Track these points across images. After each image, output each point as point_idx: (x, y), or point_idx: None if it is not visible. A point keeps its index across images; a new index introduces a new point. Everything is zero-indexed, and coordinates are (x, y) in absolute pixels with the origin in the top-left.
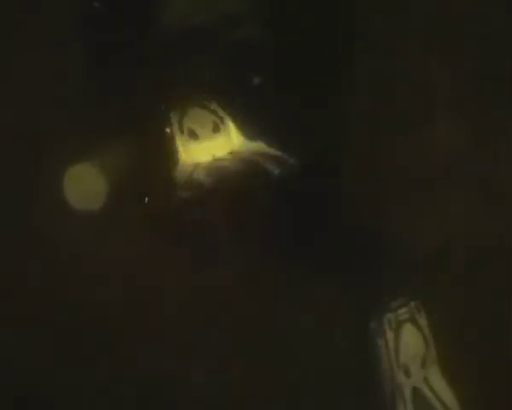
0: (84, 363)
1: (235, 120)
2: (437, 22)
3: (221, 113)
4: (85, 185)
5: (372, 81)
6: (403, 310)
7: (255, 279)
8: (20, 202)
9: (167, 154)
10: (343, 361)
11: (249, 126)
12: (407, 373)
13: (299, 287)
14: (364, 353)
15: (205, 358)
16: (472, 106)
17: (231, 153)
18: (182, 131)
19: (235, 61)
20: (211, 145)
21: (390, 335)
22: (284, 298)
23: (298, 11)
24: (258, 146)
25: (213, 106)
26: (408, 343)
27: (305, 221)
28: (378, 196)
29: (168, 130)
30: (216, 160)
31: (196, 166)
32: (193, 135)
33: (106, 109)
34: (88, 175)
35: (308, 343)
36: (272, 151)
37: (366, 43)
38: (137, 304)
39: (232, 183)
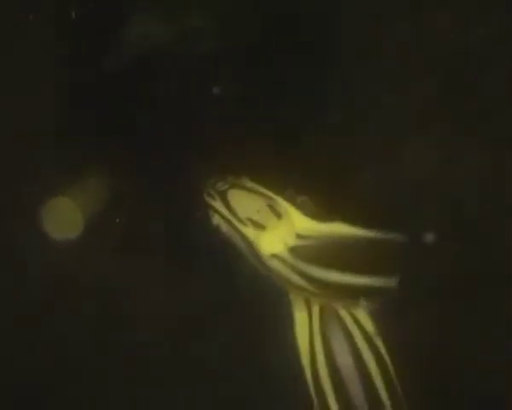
0: None
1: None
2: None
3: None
4: (62, 217)
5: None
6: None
7: None
8: None
9: None
10: None
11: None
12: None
13: None
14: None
15: None
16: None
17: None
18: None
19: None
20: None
21: (218, 204)
22: None
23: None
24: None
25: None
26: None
27: None
28: None
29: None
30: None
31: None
32: (257, 225)
33: (79, 148)
34: (65, 207)
35: None
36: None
37: (336, 60)
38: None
39: None
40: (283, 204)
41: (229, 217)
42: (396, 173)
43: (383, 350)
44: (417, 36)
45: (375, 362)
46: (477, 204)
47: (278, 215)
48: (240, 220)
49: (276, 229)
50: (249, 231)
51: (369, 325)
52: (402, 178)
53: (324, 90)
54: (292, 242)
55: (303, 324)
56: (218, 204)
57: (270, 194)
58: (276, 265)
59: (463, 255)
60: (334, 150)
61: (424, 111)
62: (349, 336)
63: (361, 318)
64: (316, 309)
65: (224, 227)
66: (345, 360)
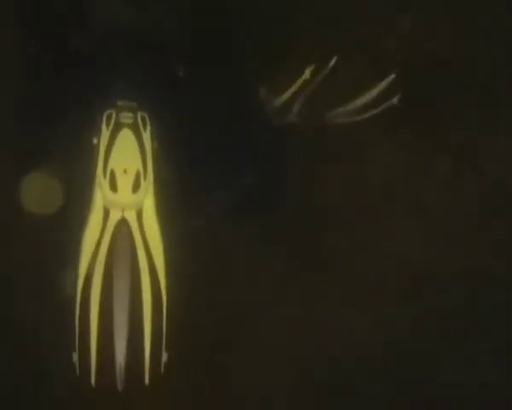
0: None
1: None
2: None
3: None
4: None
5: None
6: (127, 113)
7: None
8: None
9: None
10: None
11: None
12: (113, 186)
13: None
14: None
15: None
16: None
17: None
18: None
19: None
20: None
21: (106, 133)
22: None
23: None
24: None
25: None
26: (122, 150)
27: None
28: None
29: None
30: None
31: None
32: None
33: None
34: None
35: None
36: None
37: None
38: None
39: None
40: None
41: None
42: None
43: (163, 286)
44: None
45: (151, 294)
46: None
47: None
48: None
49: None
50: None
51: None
52: None
53: None
54: None
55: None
56: None
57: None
58: None
59: None
60: None
61: None
62: (134, 261)
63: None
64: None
65: None
66: (121, 284)
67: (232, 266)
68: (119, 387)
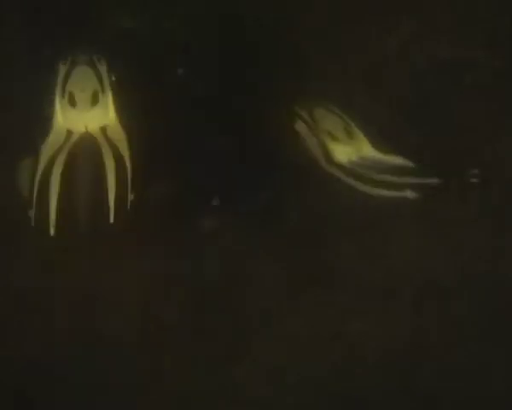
0: None
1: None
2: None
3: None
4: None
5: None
6: (83, 56)
7: None
8: None
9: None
10: None
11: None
12: (72, 103)
13: None
14: None
15: None
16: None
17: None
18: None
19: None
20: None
21: (63, 68)
22: None
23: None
24: None
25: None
26: (79, 77)
27: None
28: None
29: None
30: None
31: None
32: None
33: None
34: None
35: None
36: None
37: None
38: None
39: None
40: (356, 130)
41: (312, 125)
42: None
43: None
44: None
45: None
46: None
47: (350, 136)
48: (320, 130)
49: (347, 145)
50: (326, 140)
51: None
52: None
53: None
54: (354, 159)
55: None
56: (304, 114)
57: (348, 119)
58: (335, 171)
59: None
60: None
61: None
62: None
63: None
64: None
65: (304, 133)
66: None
67: None
68: (83, 229)
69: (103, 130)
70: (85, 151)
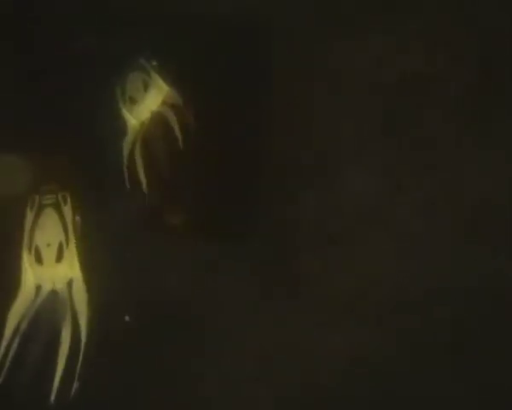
0: None
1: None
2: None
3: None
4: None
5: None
6: (49, 196)
7: None
8: None
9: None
10: None
11: None
12: (39, 260)
13: None
14: None
15: None
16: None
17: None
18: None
19: None
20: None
21: (30, 215)
22: None
23: None
24: None
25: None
26: (45, 227)
27: None
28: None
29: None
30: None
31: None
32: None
33: None
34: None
35: None
36: None
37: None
38: None
39: None
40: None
41: None
42: None
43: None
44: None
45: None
46: None
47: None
48: None
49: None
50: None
51: None
52: None
53: None
54: None
55: None
56: None
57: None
58: None
59: None
60: None
61: None
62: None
63: None
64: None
65: None
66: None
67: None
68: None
69: (69, 286)
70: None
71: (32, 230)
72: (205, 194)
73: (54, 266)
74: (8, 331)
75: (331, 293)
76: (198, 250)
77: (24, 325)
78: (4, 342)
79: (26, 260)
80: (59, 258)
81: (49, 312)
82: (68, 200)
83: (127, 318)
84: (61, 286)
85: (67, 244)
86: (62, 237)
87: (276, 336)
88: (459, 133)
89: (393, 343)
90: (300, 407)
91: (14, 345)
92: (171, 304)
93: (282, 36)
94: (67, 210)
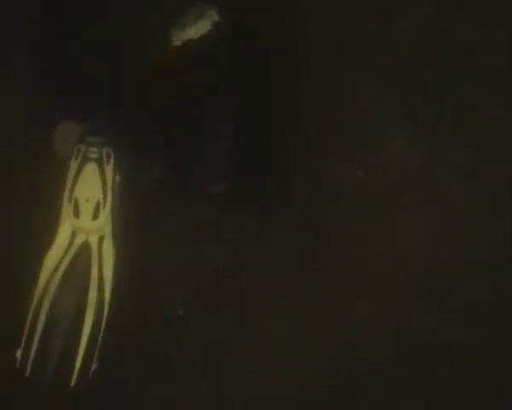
0: None
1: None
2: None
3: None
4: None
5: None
6: (94, 149)
7: None
8: None
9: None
10: None
11: None
12: (76, 213)
13: None
14: None
15: None
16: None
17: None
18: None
19: None
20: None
21: (74, 166)
22: None
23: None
24: None
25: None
26: (86, 181)
27: None
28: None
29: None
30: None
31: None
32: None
33: None
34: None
35: None
36: None
37: (311, 69)
38: None
39: None
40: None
41: None
42: None
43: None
44: None
45: (95, 310)
46: None
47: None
48: None
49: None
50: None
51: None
52: None
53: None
54: None
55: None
56: None
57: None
58: None
59: None
60: None
61: None
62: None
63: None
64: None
65: None
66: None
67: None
68: (49, 380)
69: (100, 241)
70: (79, 270)
71: (74, 182)
72: (245, 166)
73: (89, 222)
74: (41, 281)
75: (371, 265)
76: (238, 222)
77: (58, 275)
78: (37, 297)
79: (65, 210)
80: (95, 215)
81: (80, 265)
82: (112, 157)
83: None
84: (93, 242)
85: (104, 203)
86: (101, 195)
87: (315, 307)
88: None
89: (434, 316)
90: (332, 379)
91: (46, 302)
92: (210, 275)
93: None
94: (109, 168)
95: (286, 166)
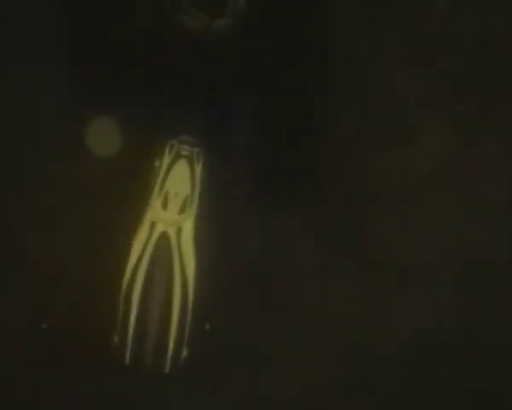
0: None
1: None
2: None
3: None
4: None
5: (347, 98)
6: (186, 147)
7: None
8: None
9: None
10: None
11: None
12: (165, 205)
13: None
14: None
15: None
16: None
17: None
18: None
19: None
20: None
21: (166, 160)
22: None
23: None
24: None
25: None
26: (177, 176)
27: None
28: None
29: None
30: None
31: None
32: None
33: None
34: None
35: None
36: None
37: (339, 61)
38: None
39: None
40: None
41: None
42: None
43: (190, 293)
44: None
45: (180, 299)
46: None
47: (182, 210)
48: None
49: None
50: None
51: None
52: None
53: None
54: None
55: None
56: None
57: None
58: None
59: None
60: None
61: None
62: (170, 268)
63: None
64: (157, 231)
65: None
66: (157, 287)
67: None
68: (147, 367)
69: (178, 233)
70: (162, 257)
71: (166, 175)
72: (274, 159)
73: (175, 216)
74: (128, 270)
75: (400, 256)
76: (267, 214)
77: (143, 264)
78: (126, 285)
79: (153, 201)
80: (182, 210)
81: (162, 254)
82: (201, 157)
83: None
84: (171, 233)
85: (191, 200)
86: (189, 192)
87: (343, 297)
88: None
89: (464, 308)
90: (365, 372)
91: (135, 290)
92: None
93: None
94: (199, 167)
95: (316, 162)
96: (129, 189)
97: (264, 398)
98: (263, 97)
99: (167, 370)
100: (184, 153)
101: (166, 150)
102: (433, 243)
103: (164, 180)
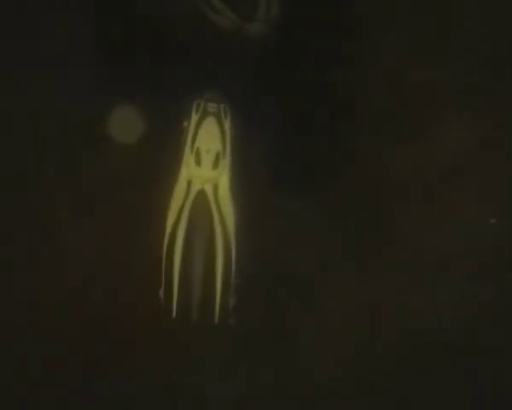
0: None
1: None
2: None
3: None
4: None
5: (371, 91)
6: (212, 104)
7: None
8: None
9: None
10: None
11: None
12: (198, 162)
13: None
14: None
15: None
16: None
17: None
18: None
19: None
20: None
21: (194, 119)
22: None
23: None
24: None
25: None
26: (207, 133)
27: None
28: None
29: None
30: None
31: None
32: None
33: None
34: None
35: None
36: None
37: (363, 52)
38: None
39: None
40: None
41: None
42: None
43: (232, 245)
44: None
45: (223, 251)
46: None
47: (216, 165)
48: None
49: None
50: (187, 159)
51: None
52: None
53: None
54: None
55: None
56: None
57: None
58: None
59: None
60: None
61: None
62: (210, 223)
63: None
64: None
65: None
66: (199, 241)
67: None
68: (194, 321)
69: (215, 189)
70: (201, 213)
71: (195, 133)
72: (300, 150)
73: (210, 171)
74: (169, 226)
75: (425, 250)
76: (292, 205)
77: (183, 220)
78: (167, 241)
79: (186, 159)
80: (215, 165)
81: (200, 210)
82: (228, 113)
83: None
84: (208, 189)
85: (224, 155)
86: (220, 147)
87: (367, 293)
88: None
89: (489, 303)
90: (388, 361)
91: (177, 246)
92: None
93: None
94: (227, 122)
95: (340, 152)
96: (163, 151)
97: (264, 398)
98: (291, 88)
99: (216, 321)
100: (211, 110)
101: (193, 109)
102: (460, 235)
103: (194, 138)
